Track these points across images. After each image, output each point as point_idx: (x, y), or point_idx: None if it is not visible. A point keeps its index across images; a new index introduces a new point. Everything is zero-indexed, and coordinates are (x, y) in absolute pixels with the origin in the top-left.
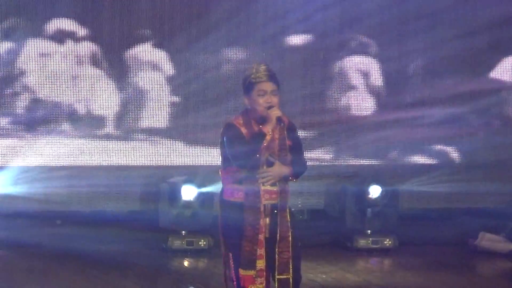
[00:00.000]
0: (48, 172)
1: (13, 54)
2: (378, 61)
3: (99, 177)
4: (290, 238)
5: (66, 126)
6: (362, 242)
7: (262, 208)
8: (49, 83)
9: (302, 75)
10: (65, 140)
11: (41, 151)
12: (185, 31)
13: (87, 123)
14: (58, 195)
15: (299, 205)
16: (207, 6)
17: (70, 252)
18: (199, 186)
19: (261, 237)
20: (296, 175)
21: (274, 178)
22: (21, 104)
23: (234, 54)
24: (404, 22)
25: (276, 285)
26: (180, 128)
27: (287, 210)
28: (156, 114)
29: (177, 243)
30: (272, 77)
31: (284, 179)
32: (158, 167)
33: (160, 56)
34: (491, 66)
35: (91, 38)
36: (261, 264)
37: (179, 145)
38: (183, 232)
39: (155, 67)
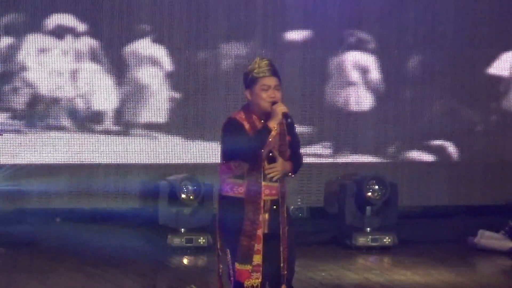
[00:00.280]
0: (47, 169)
1: (12, 49)
2: (378, 57)
3: (98, 175)
4: (287, 235)
5: (65, 123)
6: (361, 240)
7: (262, 204)
8: (48, 81)
9: (301, 72)
10: (64, 138)
11: (40, 148)
12: (185, 26)
13: (86, 121)
14: (57, 192)
15: (299, 203)
16: (207, 2)
17: (69, 249)
18: (199, 183)
19: (259, 232)
20: (295, 171)
21: (279, 173)
22: (20, 100)
23: (234, 49)
24: (404, 18)
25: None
26: (180, 125)
27: (285, 206)
28: (156, 111)
29: (176, 241)
30: (275, 72)
31: (285, 175)
32: (157, 165)
33: (159, 51)
34: (491, 61)
35: (91, 33)
36: (257, 259)
37: (178, 143)
38: (183, 229)
39: (154, 62)
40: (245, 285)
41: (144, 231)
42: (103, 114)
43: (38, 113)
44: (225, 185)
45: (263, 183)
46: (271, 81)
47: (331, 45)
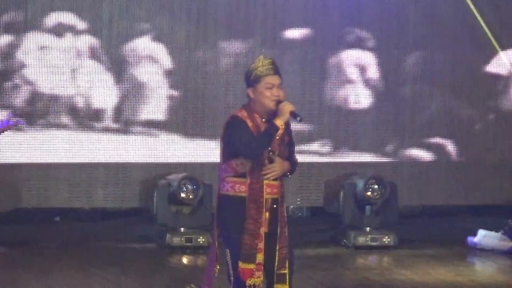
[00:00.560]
0: (47, 168)
1: (12, 48)
2: (377, 56)
3: (98, 174)
4: (287, 234)
5: (64, 122)
6: (361, 240)
7: (264, 202)
8: (47, 78)
9: (301, 70)
10: (64, 136)
11: (40, 147)
12: (184, 24)
13: (86, 119)
14: (57, 191)
15: (298, 202)
16: (207, 0)
17: (68, 248)
18: (198, 183)
19: (262, 231)
20: (292, 171)
21: (278, 173)
22: (19, 98)
23: (233, 48)
24: (403, 16)
25: (275, 280)
26: (179, 124)
27: (284, 206)
28: (155, 110)
29: (176, 240)
30: (278, 70)
31: (284, 175)
32: (156, 164)
33: (159, 49)
34: (491, 60)
35: (90, 31)
36: (260, 258)
37: (178, 142)
38: (182, 229)
39: (154, 61)
40: (247, 284)
41: (143, 230)
42: (103, 112)
43: (37, 111)
44: (225, 184)
45: (265, 181)
46: (275, 79)
47: (331, 44)
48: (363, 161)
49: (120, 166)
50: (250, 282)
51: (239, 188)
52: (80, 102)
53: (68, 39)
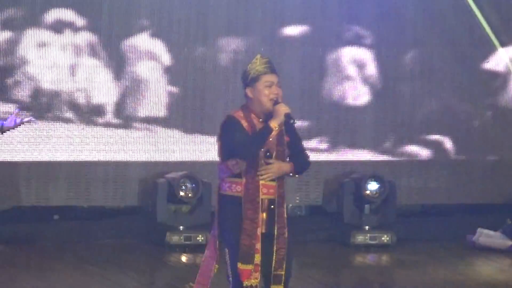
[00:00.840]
0: (46, 167)
1: (12, 44)
2: (376, 54)
3: (96, 172)
4: (286, 235)
5: (63, 120)
6: (360, 238)
7: (260, 203)
8: (47, 76)
9: (300, 68)
10: (63, 135)
11: (39, 145)
12: (184, 21)
13: (85, 118)
14: (56, 190)
15: (297, 201)
16: None
17: (67, 247)
18: (197, 181)
19: (259, 231)
20: (298, 172)
21: (274, 174)
22: (19, 97)
23: (233, 45)
24: (402, 13)
25: (271, 281)
26: (178, 123)
27: (284, 206)
28: (155, 108)
29: (175, 239)
30: (275, 69)
31: (284, 175)
32: (156, 162)
33: (158, 47)
34: (489, 57)
35: (90, 28)
36: (257, 258)
37: (177, 140)
38: (181, 227)
39: (153, 57)
40: (244, 284)
41: (142, 229)
42: (102, 111)
43: (36, 109)
44: (223, 184)
45: (261, 182)
46: (273, 77)
47: (330, 41)
48: (362, 159)
49: (119, 164)
50: (247, 283)
51: (236, 188)
52: (79, 100)
53: (67, 36)
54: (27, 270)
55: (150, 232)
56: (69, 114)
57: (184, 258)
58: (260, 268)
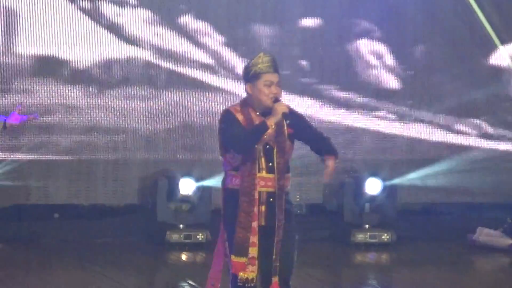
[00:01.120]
0: (46, 165)
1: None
2: (376, 52)
3: (97, 171)
4: (287, 229)
5: (63, 119)
6: (360, 237)
7: (256, 195)
8: (47, 74)
9: (300, 66)
10: (64, 133)
11: (40, 144)
12: (185, 16)
13: (85, 116)
14: (56, 188)
15: (298, 200)
16: None
17: (67, 245)
18: (197, 179)
19: (255, 224)
20: (336, 153)
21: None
22: (18, 95)
23: (238, 36)
24: (407, 13)
25: (272, 272)
26: (179, 121)
27: (284, 199)
28: (155, 106)
29: (175, 237)
30: (277, 68)
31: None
32: (156, 161)
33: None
34: (492, 56)
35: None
36: (253, 252)
37: (177, 138)
38: (181, 226)
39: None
40: (240, 277)
41: (142, 227)
42: (102, 109)
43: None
44: (226, 177)
45: (258, 174)
46: (274, 77)
47: (333, 36)
48: (363, 158)
49: (119, 163)
50: (242, 276)
51: (235, 181)
52: (78, 99)
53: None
54: (27, 268)
55: (150, 230)
56: (69, 114)
57: (184, 257)
58: (257, 261)
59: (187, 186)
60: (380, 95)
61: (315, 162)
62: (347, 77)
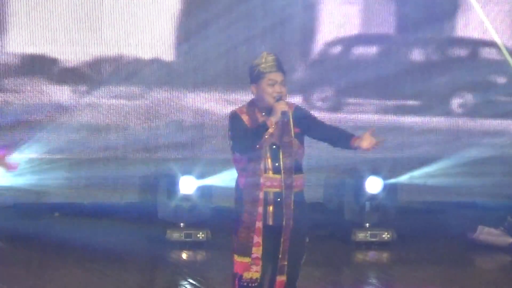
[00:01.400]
0: (46, 163)
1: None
2: (377, 50)
3: (97, 169)
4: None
5: (63, 117)
6: (360, 236)
7: (261, 196)
8: (47, 74)
9: (300, 65)
10: (63, 131)
11: (39, 142)
12: (185, 21)
13: (85, 115)
14: (56, 187)
15: None
16: None
17: (68, 244)
18: (198, 178)
19: (259, 224)
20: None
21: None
22: (18, 95)
23: (233, 41)
24: (404, 15)
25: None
26: (179, 121)
27: (292, 199)
28: (156, 106)
29: (175, 236)
30: (281, 67)
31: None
32: (156, 159)
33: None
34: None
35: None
36: (257, 251)
37: (178, 136)
38: (182, 224)
39: (155, 59)
40: (244, 277)
41: (143, 226)
42: (102, 107)
43: (36, 108)
44: (238, 177)
45: (264, 174)
46: (278, 76)
47: (331, 36)
48: (363, 156)
49: (120, 161)
50: (246, 276)
51: (242, 181)
52: (79, 97)
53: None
54: (27, 267)
55: (150, 228)
56: (69, 112)
57: (184, 255)
58: (262, 262)
59: (187, 185)
60: (380, 93)
61: (315, 160)
62: (347, 76)
